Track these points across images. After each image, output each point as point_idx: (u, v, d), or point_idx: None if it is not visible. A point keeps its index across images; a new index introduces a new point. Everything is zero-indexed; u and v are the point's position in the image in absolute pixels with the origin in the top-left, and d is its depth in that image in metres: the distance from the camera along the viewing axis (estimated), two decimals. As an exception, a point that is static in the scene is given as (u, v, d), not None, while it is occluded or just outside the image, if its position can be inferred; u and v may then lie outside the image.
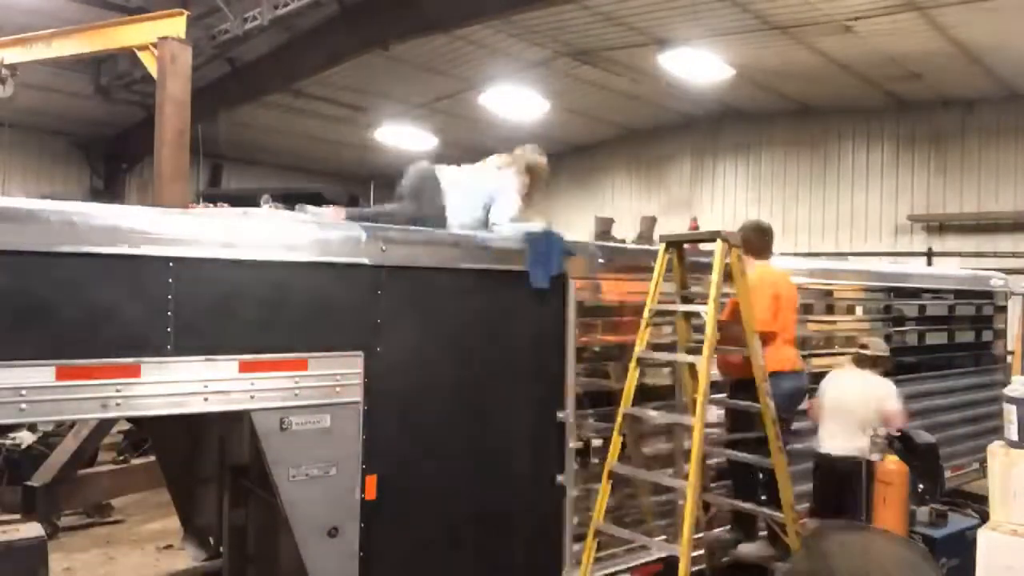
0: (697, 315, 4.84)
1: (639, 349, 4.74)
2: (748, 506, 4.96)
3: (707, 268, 4.78)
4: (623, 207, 17.58)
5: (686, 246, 5.11)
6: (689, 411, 4.74)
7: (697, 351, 4.62)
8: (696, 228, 5.84)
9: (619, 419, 4.68)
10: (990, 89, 12.83)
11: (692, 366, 4.75)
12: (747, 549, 5.11)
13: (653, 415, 4.88)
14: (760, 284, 5.07)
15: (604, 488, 4.62)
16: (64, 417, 4.45)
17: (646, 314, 4.77)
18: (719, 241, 4.65)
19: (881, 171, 14.51)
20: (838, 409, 5.50)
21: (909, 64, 11.93)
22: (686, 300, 4.99)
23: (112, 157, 16.94)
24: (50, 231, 3.17)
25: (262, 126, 16.01)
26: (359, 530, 3.89)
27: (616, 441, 4.65)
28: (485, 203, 5.08)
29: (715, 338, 4.53)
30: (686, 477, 4.53)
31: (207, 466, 5.53)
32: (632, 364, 4.73)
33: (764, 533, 5.15)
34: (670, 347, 5.12)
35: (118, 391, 3.28)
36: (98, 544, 7.25)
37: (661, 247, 4.92)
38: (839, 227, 14.77)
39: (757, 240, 5.32)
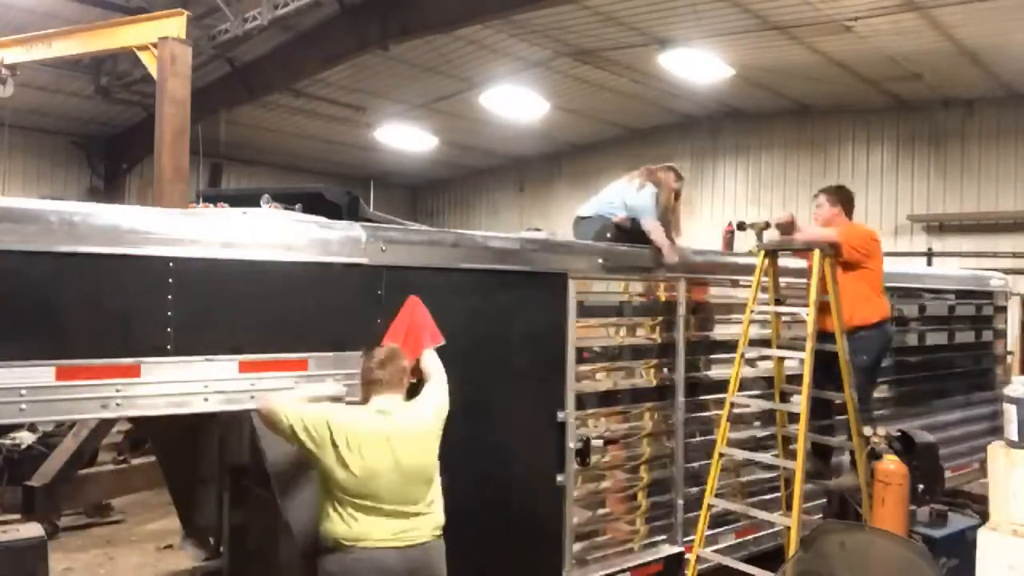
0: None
1: (743, 345, 5.39)
2: (826, 439, 5.70)
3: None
4: (623, 207, 17.61)
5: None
6: (777, 399, 5.65)
7: (792, 347, 5.53)
8: (732, 231, 6.43)
9: (727, 407, 5.32)
10: (990, 89, 12.82)
11: (781, 360, 5.63)
12: (845, 481, 5.68)
13: (759, 403, 5.64)
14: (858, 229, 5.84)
15: (715, 466, 5.30)
16: (64, 417, 4.45)
17: (748, 314, 5.40)
18: (816, 251, 5.26)
19: (881, 171, 14.50)
20: None
21: (909, 64, 11.92)
22: (778, 302, 5.59)
23: (112, 157, 16.93)
24: (50, 231, 3.17)
25: (262, 126, 16.01)
26: (359, 530, 3.88)
27: (724, 426, 5.31)
28: (619, 202, 5.57)
29: (815, 337, 5.15)
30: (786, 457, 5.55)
31: (207, 466, 5.53)
32: (737, 357, 5.38)
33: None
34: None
35: (118, 391, 3.28)
36: (98, 544, 7.25)
37: (760, 254, 5.53)
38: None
39: (849, 200, 5.96)
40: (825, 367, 5.34)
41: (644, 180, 5.58)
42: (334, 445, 3.38)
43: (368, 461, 3.40)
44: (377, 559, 3.39)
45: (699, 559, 5.27)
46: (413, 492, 3.51)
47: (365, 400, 3.63)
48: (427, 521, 3.55)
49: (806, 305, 5.26)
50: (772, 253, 5.59)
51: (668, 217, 5.55)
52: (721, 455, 5.34)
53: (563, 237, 5.58)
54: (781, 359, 5.66)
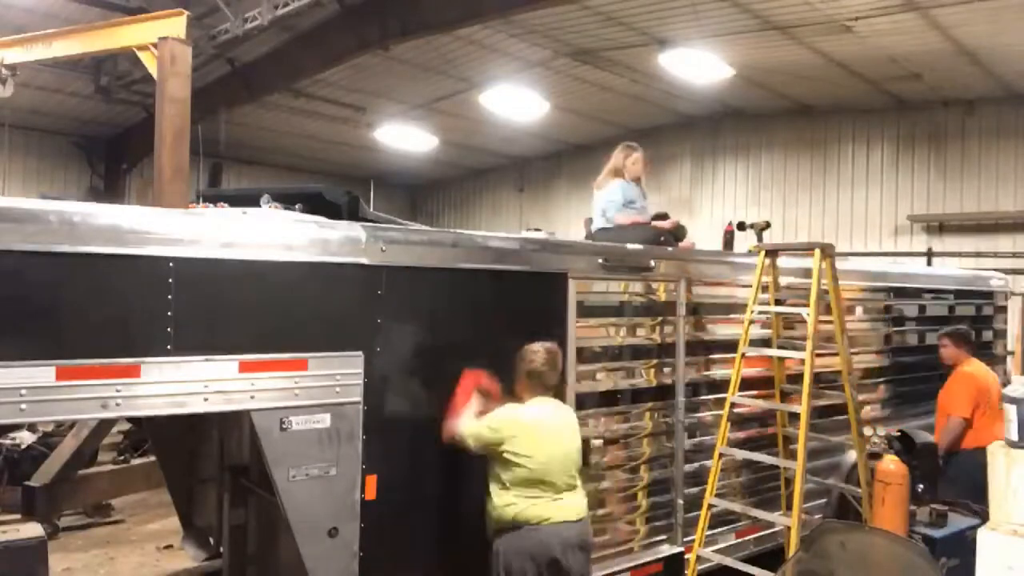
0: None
1: (744, 345, 5.41)
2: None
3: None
4: (623, 207, 17.60)
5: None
6: (777, 399, 5.75)
7: (790, 346, 5.60)
8: (731, 231, 6.60)
9: (727, 407, 5.38)
10: (990, 89, 12.81)
11: (782, 360, 5.70)
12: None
13: (759, 403, 5.66)
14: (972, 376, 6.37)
15: (715, 466, 5.36)
16: (64, 417, 4.46)
17: (749, 314, 5.43)
18: (816, 251, 5.31)
19: (881, 171, 14.50)
20: None
21: (909, 64, 11.92)
22: (779, 302, 5.67)
23: (112, 157, 16.92)
24: (50, 231, 3.17)
25: (262, 126, 16.01)
26: (359, 530, 3.89)
27: (724, 426, 5.37)
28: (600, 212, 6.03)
29: (816, 336, 5.21)
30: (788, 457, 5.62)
31: (207, 466, 5.53)
32: (738, 357, 5.42)
33: None
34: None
35: (118, 391, 3.28)
36: (98, 544, 7.25)
37: (760, 254, 5.57)
38: (839, 227, 14.75)
39: (966, 339, 6.67)
40: None
41: (605, 179, 6.13)
42: (517, 439, 4.02)
43: (547, 449, 4.09)
44: (561, 532, 4.06)
45: (699, 559, 5.27)
46: (572, 476, 4.22)
47: (523, 394, 4.25)
48: (582, 500, 4.28)
49: (806, 304, 5.26)
50: (772, 253, 5.63)
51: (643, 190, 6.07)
52: (721, 455, 5.35)
53: (563, 237, 5.59)
54: (781, 359, 5.67)
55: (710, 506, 5.31)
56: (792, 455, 5.46)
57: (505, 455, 4.04)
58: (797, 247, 5.68)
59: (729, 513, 5.63)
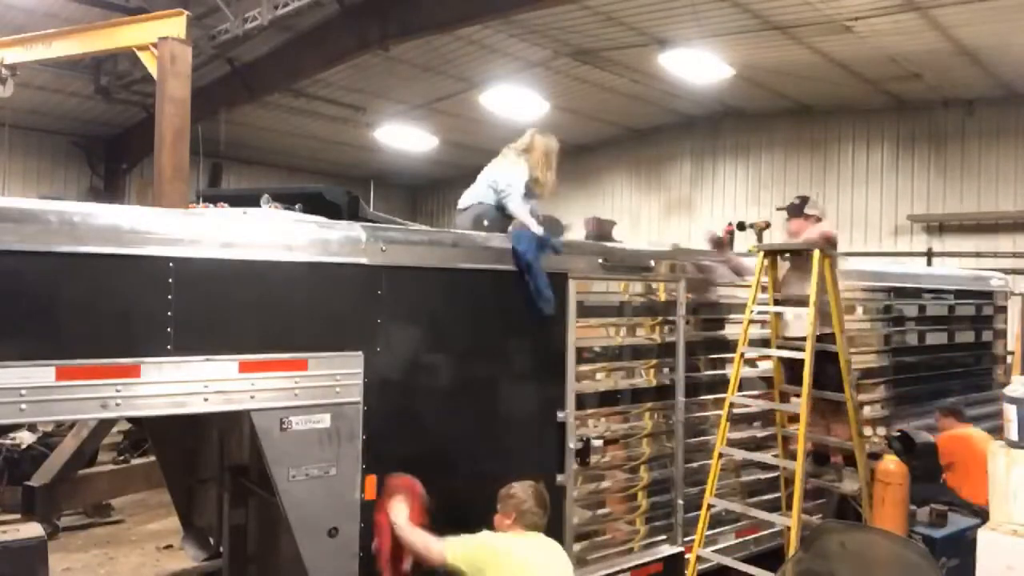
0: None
1: (743, 345, 5.40)
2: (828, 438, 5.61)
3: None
4: (623, 207, 17.59)
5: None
6: (776, 399, 5.70)
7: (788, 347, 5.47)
8: (731, 232, 6.27)
9: (726, 406, 5.35)
10: (990, 89, 12.82)
11: (780, 360, 5.61)
12: (847, 486, 5.55)
13: (758, 403, 5.73)
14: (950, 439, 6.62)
15: (715, 466, 5.34)
16: (64, 417, 4.45)
17: (748, 313, 5.41)
18: (816, 251, 5.25)
19: (881, 171, 14.50)
20: None
21: (909, 64, 11.92)
22: (777, 303, 5.60)
23: (112, 157, 16.91)
24: (50, 231, 3.17)
25: (262, 126, 16.00)
26: (359, 530, 3.89)
27: (724, 426, 5.33)
28: (489, 184, 5.11)
29: (815, 336, 5.15)
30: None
31: (207, 466, 5.53)
32: (737, 357, 5.40)
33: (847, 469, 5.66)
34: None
35: (118, 391, 3.28)
36: (98, 544, 7.25)
37: (759, 255, 5.53)
38: (839, 227, 14.65)
39: (956, 413, 6.99)
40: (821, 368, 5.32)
41: (515, 154, 5.25)
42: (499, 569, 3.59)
43: None
44: None
45: (699, 559, 5.27)
46: None
47: (511, 528, 3.82)
48: None
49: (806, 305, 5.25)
50: (772, 253, 5.61)
51: (539, 177, 5.19)
52: (721, 455, 5.35)
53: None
54: (780, 359, 5.65)
55: (709, 506, 5.31)
56: (792, 455, 5.45)
57: None
58: (797, 247, 5.58)
59: (729, 513, 5.64)
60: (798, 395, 5.29)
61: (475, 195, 5.18)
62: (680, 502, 5.43)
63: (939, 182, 13.88)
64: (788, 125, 15.46)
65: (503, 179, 5.06)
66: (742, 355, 5.42)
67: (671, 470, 5.45)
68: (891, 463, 5.36)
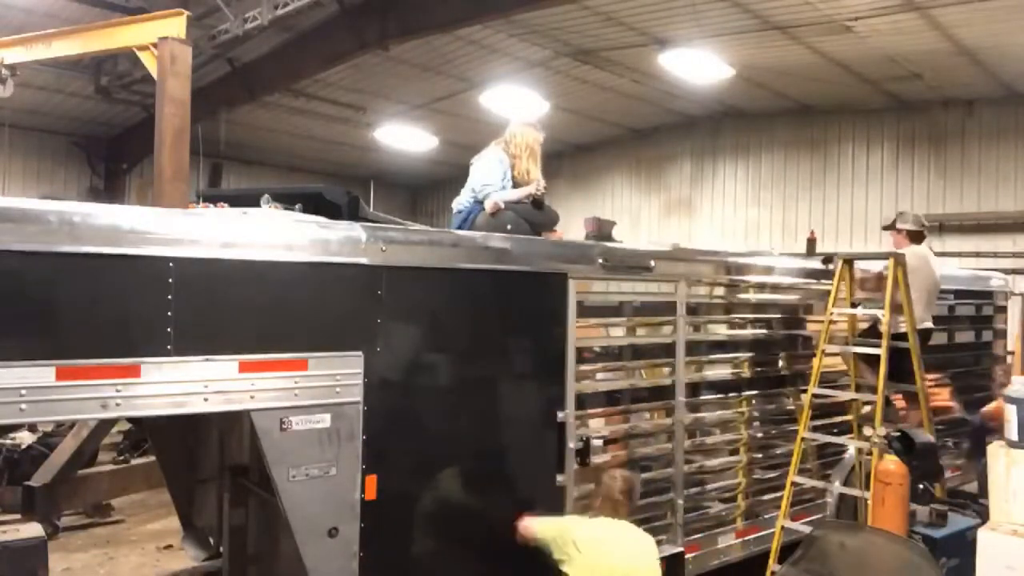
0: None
1: (824, 342, 5.91)
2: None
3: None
4: (623, 207, 17.59)
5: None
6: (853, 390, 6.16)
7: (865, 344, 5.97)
8: (814, 239, 7.21)
9: (808, 396, 5.81)
10: (990, 89, 12.81)
11: (856, 356, 6.13)
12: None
13: (839, 395, 6.22)
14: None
15: (797, 449, 5.81)
16: (64, 417, 4.45)
17: (828, 315, 5.95)
18: (891, 259, 5.83)
19: (881, 171, 14.49)
20: None
21: (909, 64, 11.91)
22: (854, 305, 6.15)
23: (112, 157, 16.91)
24: (50, 231, 3.17)
25: (262, 126, 16.00)
26: (359, 530, 3.89)
27: (806, 414, 5.82)
28: (472, 188, 5.29)
29: (890, 334, 5.64)
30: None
31: (207, 466, 5.53)
32: (819, 353, 5.90)
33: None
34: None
35: (118, 391, 3.28)
36: (98, 544, 7.25)
37: (839, 262, 6.08)
38: (839, 227, 14.75)
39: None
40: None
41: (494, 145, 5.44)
42: (579, 552, 3.97)
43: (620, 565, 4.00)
44: None
45: (784, 530, 5.65)
46: None
47: (594, 512, 4.24)
48: None
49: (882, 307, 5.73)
50: (849, 261, 6.17)
51: (518, 166, 5.35)
52: (804, 439, 5.85)
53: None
54: (856, 355, 6.16)
55: (793, 483, 5.80)
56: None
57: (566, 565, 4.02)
58: (872, 256, 6.47)
59: (729, 513, 5.68)
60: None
61: (463, 200, 5.41)
62: (680, 502, 5.43)
63: (939, 182, 13.87)
64: (788, 125, 15.46)
65: (479, 180, 5.26)
66: (823, 351, 5.89)
67: (671, 470, 5.44)
68: (891, 463, 5.36)
